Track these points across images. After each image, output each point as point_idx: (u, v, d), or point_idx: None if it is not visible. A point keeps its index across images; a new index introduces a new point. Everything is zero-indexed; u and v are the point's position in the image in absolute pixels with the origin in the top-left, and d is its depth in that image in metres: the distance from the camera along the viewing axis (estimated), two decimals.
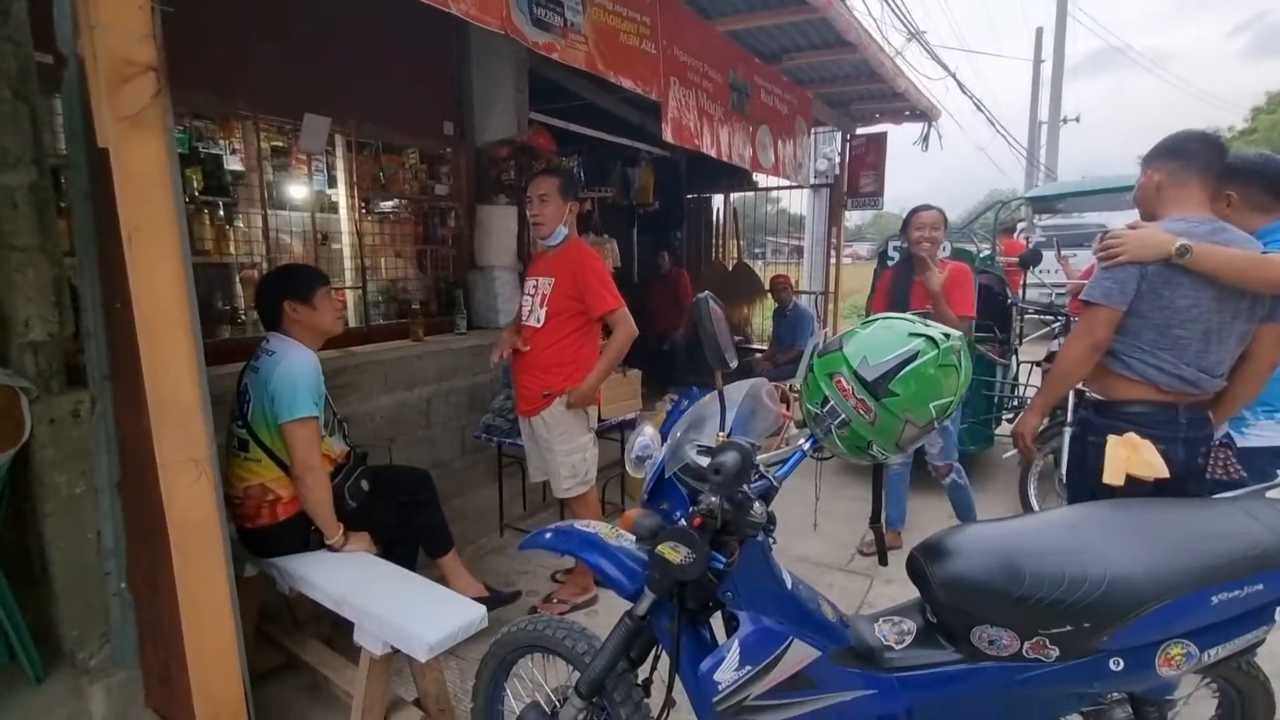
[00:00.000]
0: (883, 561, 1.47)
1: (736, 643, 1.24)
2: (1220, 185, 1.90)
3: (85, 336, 1.79)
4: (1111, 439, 1.74)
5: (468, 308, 3.83)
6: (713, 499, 1.18)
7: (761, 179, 6.72)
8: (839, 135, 5.97)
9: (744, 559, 1.27)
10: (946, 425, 2.72)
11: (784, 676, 1.27)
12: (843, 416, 1.23)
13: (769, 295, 6.72)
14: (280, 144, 3.30)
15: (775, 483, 1.29)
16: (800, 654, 1.28)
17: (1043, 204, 4.20)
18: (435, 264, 3.98)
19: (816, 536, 3.40)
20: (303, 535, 2.02)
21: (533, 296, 2.51)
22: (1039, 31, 17.54)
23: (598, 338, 2.54)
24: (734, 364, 1.28)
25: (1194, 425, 1.77)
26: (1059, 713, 1.42)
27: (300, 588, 1.93)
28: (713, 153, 3.48)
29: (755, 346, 6.75)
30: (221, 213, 2.96)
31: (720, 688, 1.24)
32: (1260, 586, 1.23)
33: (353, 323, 3.45)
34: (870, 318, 1.35)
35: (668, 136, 3.07)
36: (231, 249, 2.98)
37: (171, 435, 1.43)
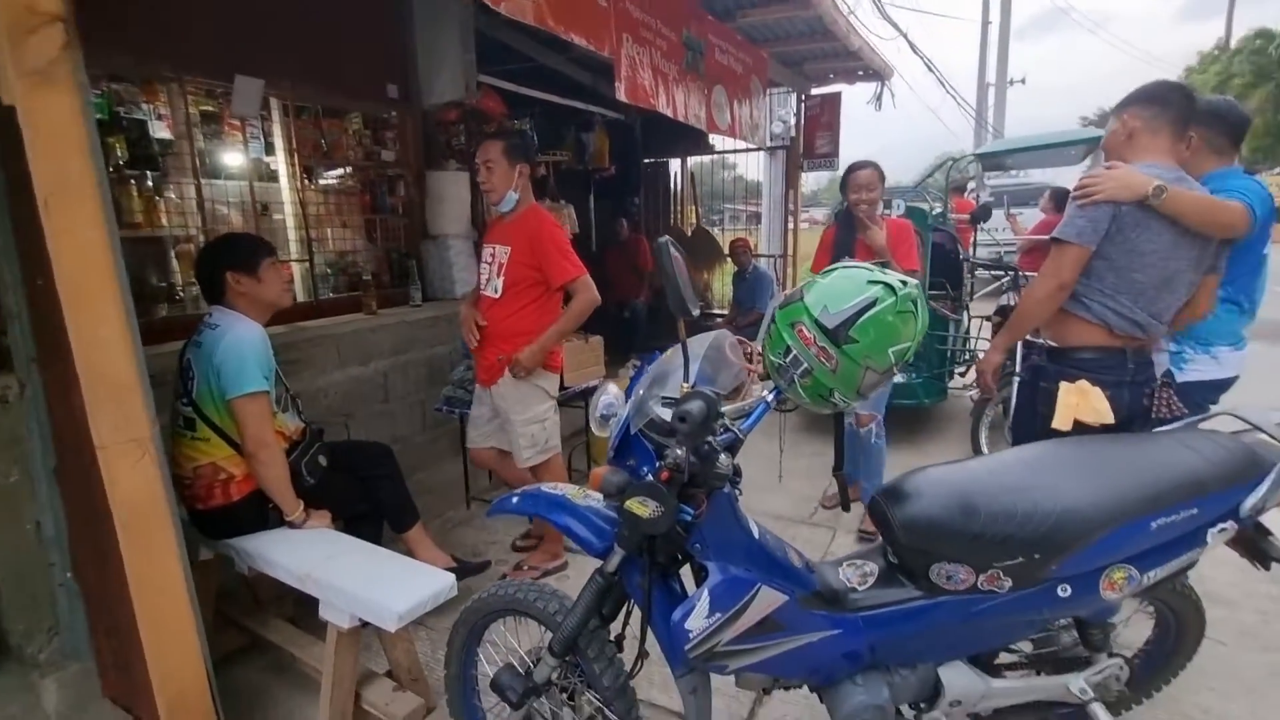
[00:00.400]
0: (845, 508, 1.51)
1: (706, 592, 1.26)
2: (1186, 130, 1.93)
3: (8, 318, 1.67)
4: (1064, 385, 1.81)
5: (422, 279, 3.72)
6: (679, 452, 1.18)
7: (719, 142, 6.68)
8: (794, 96, 5.94)
9: (711, 510, 1.28)
10: None
11: (753, 621, 1.30)
12: (805, 365, 1.24)
13: (728, 260, 6.74)
14: (211, 109, 3.10)
15: (740, 435, 1.30)
16: (768, 600, 1.31)
17: (991, 161, 4.30)
18: (386, 234, 3.84)
19: (780, 492, 3.48)
20: (260, 514, 1.96)
21: (489, 265, 2.44)
22: None
23: (558, 307, 2.48)
24: (696, 311, 1.28)
25: (1140, 368, 1.86)
26: (1011, 639, 1.51)
27: (260, 567, 1.88)
28: (669, 113, 3.43)
29: (716, 311, 6.78)
30: (150, 183, 2.77)
31: (692, 636, 1.26)
32: (1195, 510, 1.31)
33: (301, 297, 3.32)
34: (829, 268, 1.35)
35: (622, 96, 3.00)
36: (164, 221, 2.81)
37: (108, 415, 1.35)
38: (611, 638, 1.49)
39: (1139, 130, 1.86)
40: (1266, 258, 2.12)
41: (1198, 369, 2.11)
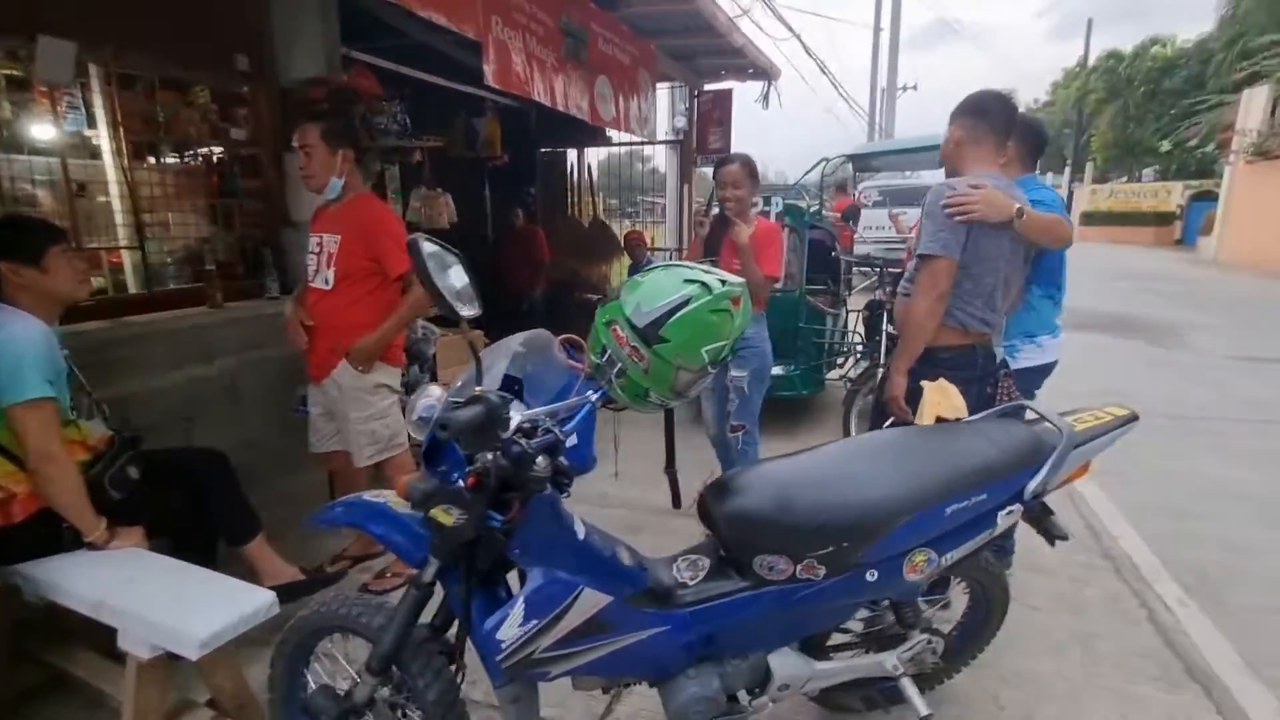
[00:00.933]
0: (676, 505, 1.52)
1: (521, 599, 1.23)
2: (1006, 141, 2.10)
3: None
4: (926, 385, 1.91)
5: (280, 268, 3.44)
6: (488, 457, 1.14)
7: (619, 135, 6.65)
8: (687, 91, 6.00)
9: (530, 515, 1.25)
10: (742, 387, 2.80)
11: (576, 624, 1.28)
12: (620, 365, 1.22)
13: (626, 253, 6.75)
14: (16, 73, 2.71)
15: (560, 436, 1.27)
16: (592, 601, 1.30)
17: (860, 162, 4.55)
18: (240, 220, 3.52)
19: (663, 484, 3.53)
20: (51, 535, 1.74)
21: (317, 255, 2.29)
22: (878, 0, 18.69)
23: (397, 297, 2.36)
24: (469, 312, 1.22)
25: (987, 362, 2.03)
26: (834, 623, 1.58)
27: (50, 595, 1.67)
28: (546, 102, 3.35)
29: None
30: None
31: (504, 645, 1.22)
32: (984, 495, 1.41)
33: (133, 289, 2.99)
34: (651, 266, 1.35)
35: (491, 80, 2.90)
36: None
37: None
38: (443, 649, 1.43)
39: (964, 140, 2.00)
40: (1065, 256, 2.37)
41: (1027, 357, 2.35)
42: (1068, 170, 29.35)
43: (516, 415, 1.16)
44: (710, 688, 1.46)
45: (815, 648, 1.63)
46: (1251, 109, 14.54)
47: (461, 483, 1.15)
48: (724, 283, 1.29)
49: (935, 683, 1.91)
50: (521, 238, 6.44)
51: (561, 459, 1.39)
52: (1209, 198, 18.12)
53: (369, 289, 2.27)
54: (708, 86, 6.04)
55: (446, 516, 1.14)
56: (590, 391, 1.33)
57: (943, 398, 1.88)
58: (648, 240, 6.30)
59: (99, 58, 2.77)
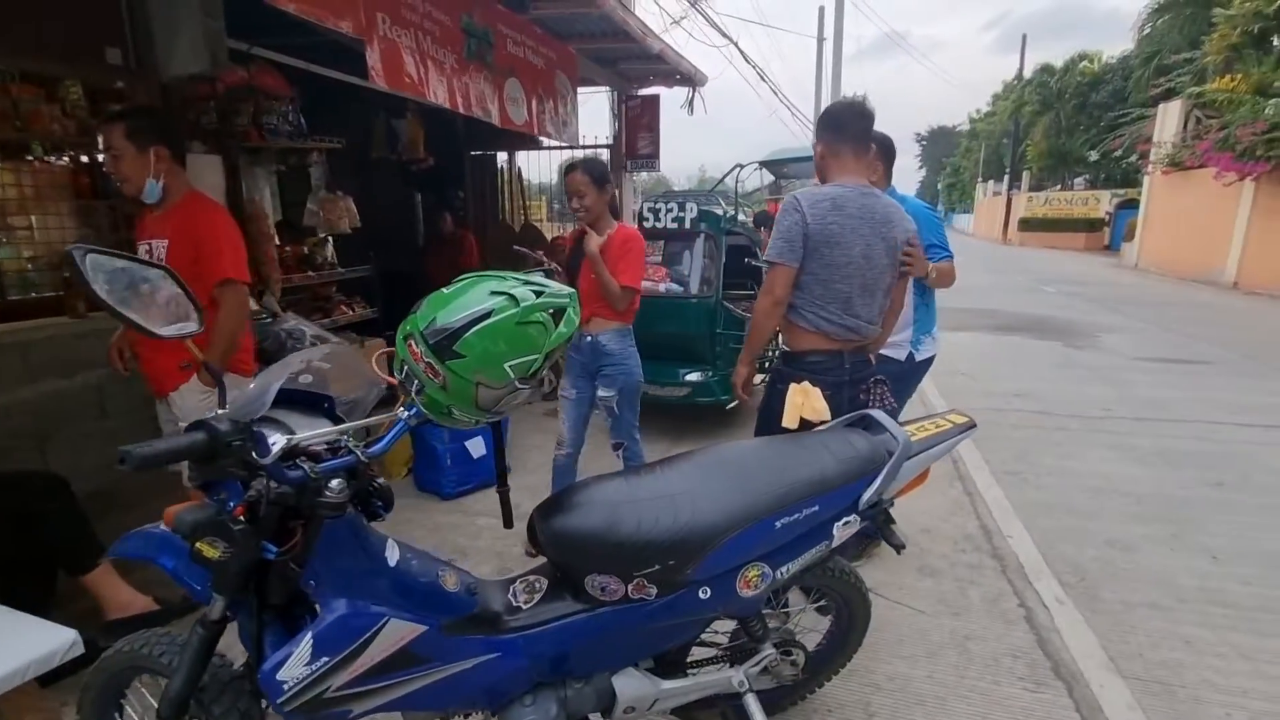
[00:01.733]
0: (507, 524, 1.46)
1: (309, 635, 1.14)
2: (873, 153, 2.20)
3: None
4: (792, 387, 1.94)
5: None
6: (259, 484, 1.05)
7: (548, 139, 6.56)
8: (615, 96, 5.97)
9: (324, 543, 1.16)
10: (612, 406, 2.73)
11: (379, 658, 1.21)
12: (418, 382, 1.16)
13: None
14: None
15: (361, 457, 1.19)
16: (400, 632, 1.22)
17: (773, 167, 4.59)
18: (119, 224, 3.31)
19: None
20: None
21: None
22: (821, 10, 19.12)
23: (243, 303, 2.24)
24: (173, 330, 1.15)
25: (856, 368, 2.05)
26: (678, 641, 1.53)
27: None
28: (445, 104, 3.26)
29: None
30: None
31: (286, 686, 1.13)
32: (816, 507, 1.39)
33: None
34: (461, 276, 1.28)
35: (378, 81, 2.79)
36: None
37: None
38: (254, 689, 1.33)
39: (825, 154, 2.05)
40: None
41: (927, 349, 2.72)
42: (1006, 178, 30.59)
43: (278, 438, 1.07)
44: (549, 714, 1.41)
45: (672, 665, 1.59)
46: (1166, 122, 15.38)
47: (232, 511, 1.06)
48: (540, 294, 1.24)
49: (806, 692, 1.90)
50: (449, 242, 6.28)
51: (381, 480, 1.33)
52: (1133, 205, 19.10)
53: (206, 300, 2.13)
54: (640, 92, 6.02)
55: (211, 550, 1.05)
56: (403, 409, 1.25)
57: (805, 399, 1.91)
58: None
59: None
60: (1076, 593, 2.56)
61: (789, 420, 1.94)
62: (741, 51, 9.09)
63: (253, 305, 3.45)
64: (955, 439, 1.57)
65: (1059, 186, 29.80)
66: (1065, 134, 27.74)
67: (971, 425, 1.62)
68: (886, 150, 2.45)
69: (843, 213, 1.93)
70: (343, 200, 3.82)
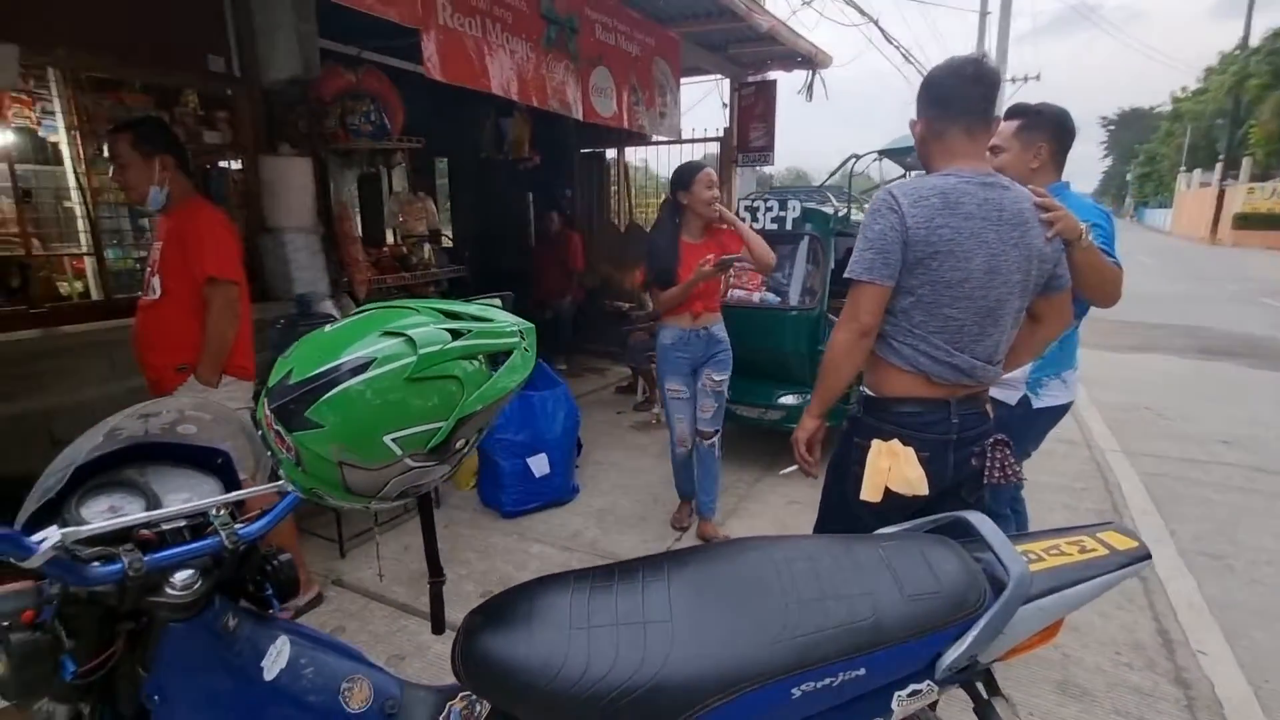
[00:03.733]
0: (437, 630, 1.12)
1: None
2: (1029, 133, 1.88)
3: None
4: (875, 444, 1.49)
5: (260, 276, 3.34)
6: (47, 585, 0.80)
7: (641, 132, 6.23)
8: (726, 84, 5.51)
9: (169, 651, 0.90)
10: (723, 391, 2.85)
11: None
12: (270, 453, 0.85)
13: None
14: None
15: (228, 542, 0.91)
16: None
17: (895, 157, 3.88)
18: None
19: (636, 529, 3.13)
20: None
21: (150, 266, 2.13)
22: None
23: (244, 307, 2.20)
24: None
25: (967, 424, 1.54)
26: None
27: None
28: (515, 97, 3.02)
29: (647, 313, 6.36)
30: None
31: None
32: (862, 671, 0.91)
33: (95, 296, 2.96)
34: (365, 307, 0.96)
35: (434, 74, 2.61)
36: None
37: None
38: None
39: (927, 134, 1.55)
40: None
41: (1052, 394, 2.06)
42: (1219, 166, 25.64)
43: (50, 533, 0.79)
44: None
45: None
46: None
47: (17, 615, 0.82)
48: (462, 334, 0.89)
49: None
50: (555, 242, 6.19)
51: (283, 557, 1.05)
52: None
53: (199, 301, 2.10)
54: (751, 79, 5.50)
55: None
56: (290, 483, 0.96)
57: (894, 463, 1.43)
58: None
59: (53, 59, 2.73)
60: None
61: (869, 492, 1.48)
62: (883, 30, 8.17)
63: (330, 307, 3.49)
64: (1109, 576, 1.00)
65: None
66: None
67: (1144, 556, 1.04)
68: (1059, 131, 1.93)
69: (957, 212, 1.40)
70: (421, 201, 3.75)
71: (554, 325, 6.07)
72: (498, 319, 0.96)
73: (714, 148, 5.87)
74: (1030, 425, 2.06)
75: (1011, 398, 1.99)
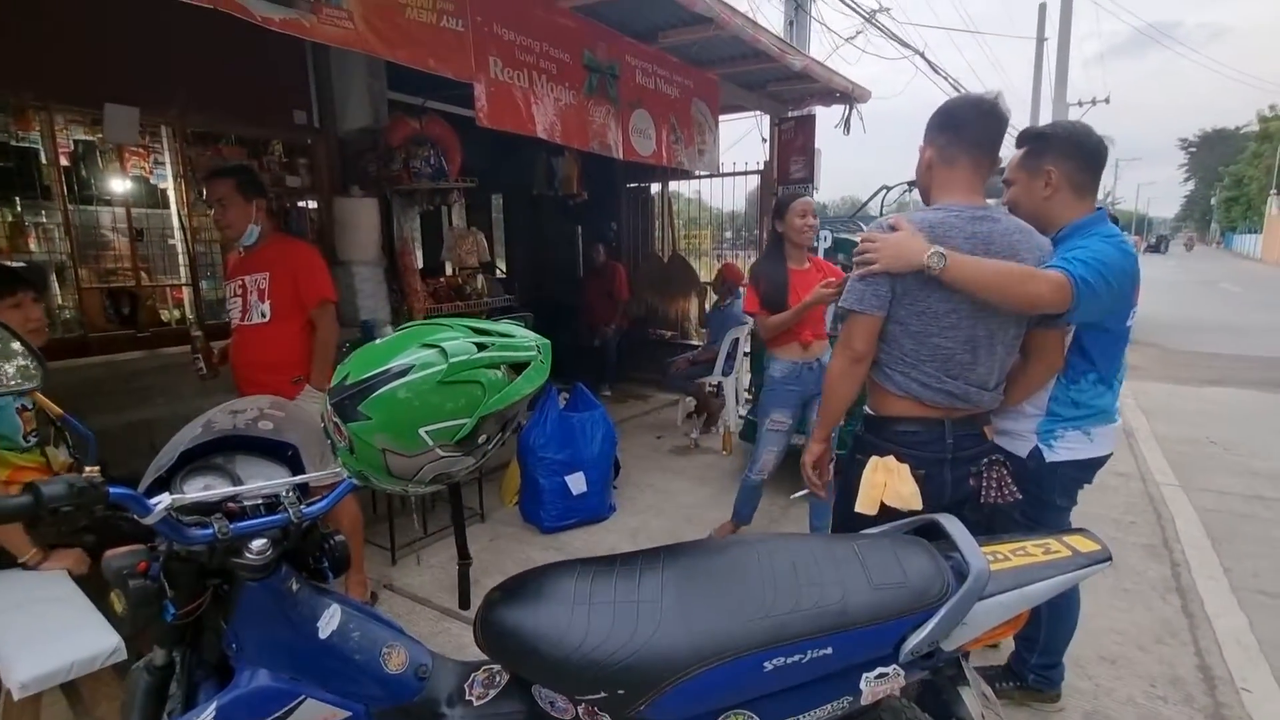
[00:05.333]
0: (463, 605, 1.28)
1: (214, 706, 1.07)
2: (1034, 159, 1.73)
3: None
4: (872, 461, 1.57)
5: None
6: (160, 541, 1.01)
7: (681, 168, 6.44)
8: (766, 120, 5.69)
9: (244, 607, 1.09)
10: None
11: None
12: (330, 442, 1.05)
13: (708, 289, 6.49)
14: (92, 137, 3.18)
15: (294, 518, 1.11)
16: (317, 715, 1.11)
17: None
18: None
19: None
20: None
21: (244, 295, 2.41)
22: (1042, 7, 16.76)
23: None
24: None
25: (963, 444, 1.59)
26: None
27: None
28: (558, 140, 3.28)
29: (692, 343, 6.50)
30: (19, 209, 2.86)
31: None
32: (828, 650, 1.01)
33: (190, 321, 3.34)
34: (407, 325, 1.15)
35: (484, 121, 2.88)
36: (31, 246, 2.88)
37: None
38: None
39: (933, 161, 1.61)
40: (1128, 330, 1.80)
41: (1070, 448, 1.81)
42: None
43: (163, 497, 0.99)
44: None
45: None
46: None
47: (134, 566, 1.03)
48: (486, 346, 1.07)
49: None
50: (601, 273, 6.44)
51: (338, 538, 1.24)
52: None
53: (302, 323, 2.42)
54: (792, 114, 5.66)
55: (118, 603, 1.02)
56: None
57: (888, 479, 1.50)
58: (742, 274, 6.00)
59: (166, 118, 3.16)
60: None
61: (864, 505, 1.55)
62: (929, 61, 8.21)
63: (390, 333, 3.80)
64: (1067, 576, 1.07)
65: None
66: None
67: (1104, 559, 1.10)
68: (1072, 150, 1.70)
69: (945, 244, 1.49)
70: (473, 235, 4.05)
71: (600, 352, 6.29)
72: (518, 335, 1.14)
73: (753, 180, 6.05)
74: (1048, 478, 1.80)
75: (1020, 448, 1.81)
